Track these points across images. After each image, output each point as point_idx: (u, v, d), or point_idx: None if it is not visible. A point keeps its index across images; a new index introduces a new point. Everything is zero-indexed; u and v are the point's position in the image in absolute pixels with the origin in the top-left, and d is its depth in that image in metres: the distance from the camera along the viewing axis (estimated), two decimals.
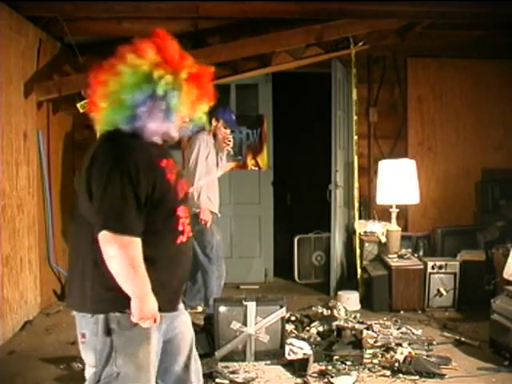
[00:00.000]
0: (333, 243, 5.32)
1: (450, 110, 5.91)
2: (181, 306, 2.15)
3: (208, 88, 1.97)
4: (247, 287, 5.53)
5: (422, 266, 4.74)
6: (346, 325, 3.96)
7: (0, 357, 3.73)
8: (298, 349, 3.64)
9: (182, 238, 2.00)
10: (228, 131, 4.52)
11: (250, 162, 5.92)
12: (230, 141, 4.49)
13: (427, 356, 3.51)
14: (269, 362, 3.56)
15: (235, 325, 3.56)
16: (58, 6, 4.44)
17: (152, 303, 1.90)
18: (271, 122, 5.90)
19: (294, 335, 3.89)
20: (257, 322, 3.57)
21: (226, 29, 4.84)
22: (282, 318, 3.63)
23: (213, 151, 4.41)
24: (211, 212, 4.35)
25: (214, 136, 4.48)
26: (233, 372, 3.40)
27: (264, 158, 5.93)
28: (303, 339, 3.81)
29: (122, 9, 4.50)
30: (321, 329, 4.00)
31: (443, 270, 4.74)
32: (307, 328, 4.04)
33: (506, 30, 5.00)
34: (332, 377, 3.27)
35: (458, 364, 3.48)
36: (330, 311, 4.42)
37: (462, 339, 3.89)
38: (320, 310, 4.46)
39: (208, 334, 3.63)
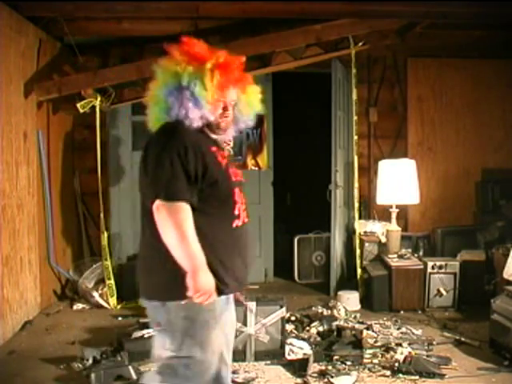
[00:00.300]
0: (333, 243, 5.32)
1: (449, 109, 5.90)
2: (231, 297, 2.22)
3: (235, 73, 2.12)
4: (247, 287, 5.52)
5: (421, 266, 4.74)
6: (346, 325, 3.97)
7: (0, 357, 3.73)
8: (298, 349, 3.64)
9: (237, 222, 2.10)
10: None
11: (249, 162, 5.92)
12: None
13: (427, 356, 3.51)
14: (269, 361, 3.56)
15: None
16: (58, 5, 4.44)
17: (207, 277, 1.96)
18: (271, 122, 5.90)
19: (294, 335, 3.89)
20: (257, 322, 3.57)
21: (226, 29, 4.85)
22: (282, 318, 3.63)
23: None
24: None
25: None
26: (233, 372, 3.39)
27: (264, 158, 5.92)
28: (303, 339, 3.81)
29: (122, 9, 4.50)
30: (321, 329, 4.00)
31: (443, 270, 4.74)
32: (307, 328, 4.03)
33: (506, 30, 5.00)
34: (332, 377, 3.27)
35: (458, 364, 3.48)
36: (330, 311, 4.42)
37: (462, 339, 3.88)
38: (320, 310, 4.47)
39: None
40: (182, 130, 2.05)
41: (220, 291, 2.03)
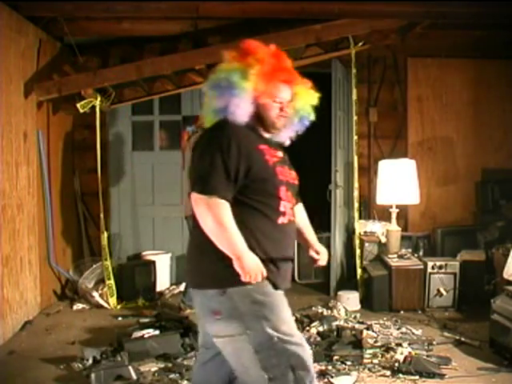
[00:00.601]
0: (333, 243, 5.32)
1: (450, 109, 5.90)
2: None
3: (276, 65, 2.15)
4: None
5: (421, 266, 4.74)
6: (346, 325, 3.97)
7: (0, 357, 3.73)
8: None
9: (283, 220, 2.14)
10: None
11: None
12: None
13: (427, 356, 3.51)
14: None
15: None
16: (58, 5, 4.45)
17: (252, 259, 2.02)
18: None
19: None
20: None
21: (226, 29, 4.84)
22: None
23: None
24: None
25: None
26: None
27: None
28: None
29: (122, 9, 4.50)
30: (321, 329, 4.00)
31: (443, 270, 4.73)
32: (307, 328, 4.03)
33: (506, 30, 5.00)
34: (332, 377, 3.27)
35: (458, 364, 3.47)
36: (330, 311, 4.42)
37: (462, 339, 3.88)
38: (320, 310, 4.47)
39: None
40: (230, 126, 2.09)
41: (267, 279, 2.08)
